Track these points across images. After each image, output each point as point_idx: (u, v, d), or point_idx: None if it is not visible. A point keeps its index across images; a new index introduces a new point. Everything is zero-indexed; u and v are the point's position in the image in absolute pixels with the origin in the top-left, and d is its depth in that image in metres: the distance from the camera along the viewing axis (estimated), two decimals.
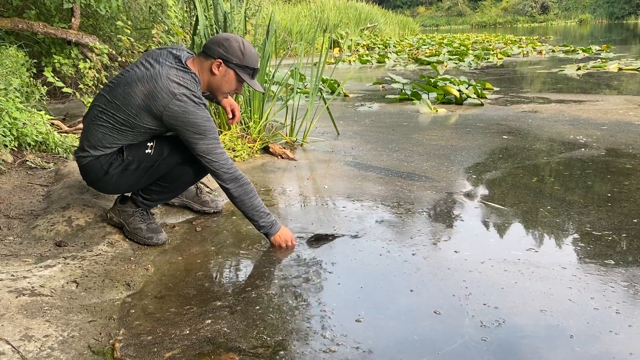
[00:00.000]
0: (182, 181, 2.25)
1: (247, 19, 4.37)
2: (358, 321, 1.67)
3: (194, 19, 4.00)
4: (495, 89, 7.10)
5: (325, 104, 4.37)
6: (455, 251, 2.16)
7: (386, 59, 12.30)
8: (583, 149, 3.78)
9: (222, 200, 2.74)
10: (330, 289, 1.88)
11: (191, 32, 4.24)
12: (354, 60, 12.19)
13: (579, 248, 2.17)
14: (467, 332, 1.59)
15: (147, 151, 2.14)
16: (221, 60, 2.08)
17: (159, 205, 2.54)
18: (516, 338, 1.56)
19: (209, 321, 1.68)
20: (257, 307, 1.76)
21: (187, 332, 1.62)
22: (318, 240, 2.29)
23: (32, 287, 1.77)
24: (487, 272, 1.97)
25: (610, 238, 2.24)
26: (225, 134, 3.86)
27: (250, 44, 2.14)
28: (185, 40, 4.89)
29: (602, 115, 5.10)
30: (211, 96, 2.33)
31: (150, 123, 2.04)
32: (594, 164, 3.39)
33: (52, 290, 1.79)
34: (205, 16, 3.90)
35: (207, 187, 2.74)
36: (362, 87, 7.75)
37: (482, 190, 2.95)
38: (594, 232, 2.31)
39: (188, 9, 5.36)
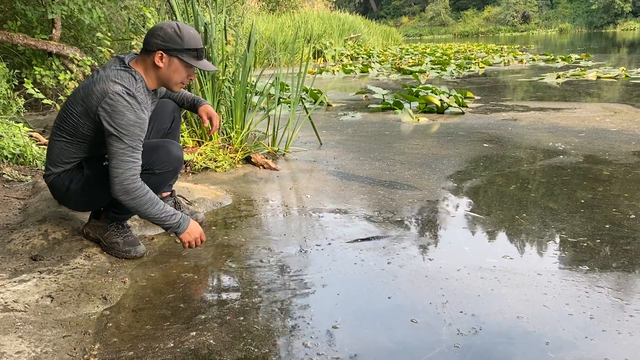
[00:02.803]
0: None
1: (227, 30, 4.38)
2: (335, 327, 1.68)
3: None
4: (477, 97, 7.19)
5: (308, 113, 4.39)
6: (430, 259, 2.17)
7: (369, 69, 12.39)
8: (562, 156, 3.84)
9: (202, 212, 2.73)
10: (310, 299, 1.88)
11: None
12: (337, 70, 12.25)
13: (554, 254, 2.20)
14: (444, 339, 1.60)
15: (104, 164, 2.10)
16: (162, 51, 2.01)
17: (136, 216, 2.53)
18: (492, 345, 1.57)
19: (194, 333, 1.67)
20: (242, 318, 1.75)
21: (171, 345, 1.60)
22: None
23: (5, 303, 1.75)
24: (464, 279, 1.98)
25: (585, 244, 2.27)
26: (206, 145, 3.85)
27: (187, 25, 2.08)
28: None
29: (580, 122, 5.19)
30: (178, 98, 2.40)
31: (92, 129, 2.01)
32: (572, 171, 3.44)
33: (26, 305, 1.76)
34: None
35: (186, 199, 2.73)
36: (345, 96, 7.79)
37: (462, 199, 2.97)
38: (569, 239, 2.34)
39: (169, 20, 5.35)
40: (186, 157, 3.68)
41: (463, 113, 5.86)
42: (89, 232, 2.31)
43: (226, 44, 4.09)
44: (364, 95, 7.52)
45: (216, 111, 3.99)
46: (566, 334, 1.62)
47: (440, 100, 6.05)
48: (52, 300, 1.82)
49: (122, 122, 1.92)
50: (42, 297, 1.83)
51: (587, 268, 2.05)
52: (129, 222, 2.37)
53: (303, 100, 4.44)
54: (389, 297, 1.87)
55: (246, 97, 4.07)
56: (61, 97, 4.51)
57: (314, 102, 6.76)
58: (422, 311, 1.77)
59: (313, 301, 1.87)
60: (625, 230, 2.42)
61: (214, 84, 3.93)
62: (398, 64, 13.51)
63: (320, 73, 11.69)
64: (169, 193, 2.62)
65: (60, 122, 2.07)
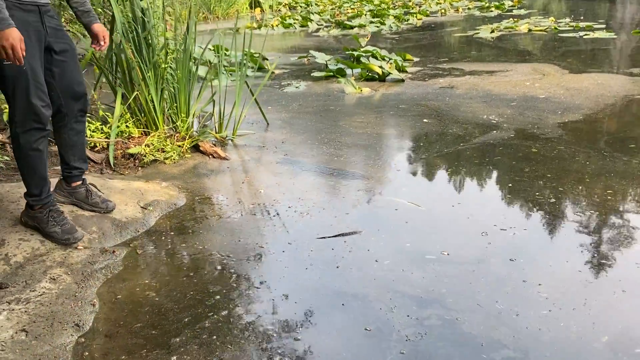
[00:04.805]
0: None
1: (164, 14, 4.26)
2: (297, 340, 1.87)
3: (111, 17, 3.87)
4: (415, 59, 7.37)
5: (253, 95, 4.42)
6: (376, 260, 2.38)
7: (309, 22, 12.25)
8: (495, 132, 4.12)
9: (112, 202, 2.78)
10: (268, 306, 2.06)
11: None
12: (276, 25, 12.03)
13: (484, 245, 2.46)
14: (394, 345, 1.83)
15: None
16: None
17: (94, 229, 2.60)
18: (436, 349, 1.82)
19: (174, 358, 1.81)
20: (214, 337, 1.91)
21: None
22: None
23: None
24: (409, 279, 2.21)
25: (512, 233, 2.55)
26: (153, 135, 3.84)
27: None
28: None
29: (511, 88, 5.50)
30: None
31: None
32: (504, 149, 3.73)
33: (3, 343, 1.84)
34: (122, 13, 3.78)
35: (97, 188, 2.79)
36: (287, 60, 7.76)
37: (404, 188, 3.18)
38: (494, 226, 2.61)
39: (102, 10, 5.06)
40: (134, 150, 3.68)
41: (403, 81, 6.03)
42: (27, 221, 2.47)
43: (166, 30, 4.00)
44: (306, 59, 7.52)
45: (160, 97, 3.97)
46: (497, 333, 1.89)
47: (381, 67, 6.18)
48: (26, 335, 1.91)
49: None
50: (16, 332, 1.91)
51: (511, 258, 2.33)
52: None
53: (245, 67, 4.38)
54: (342, 304, 2.08)
55: (190, 82, 4.04)
56: None
57: (258, 69, 6.72)
58: (374, 319, 1.99)
59: (273, 309, 2.05)
60: (547, 216, 2.73)
61: (156, 71, 3.88)
62: (337, 16, 13.42)
63: (259, 28, 11.45)
64: (79, 182, 2.70)
65: None
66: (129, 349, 1.87)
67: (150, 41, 3.86)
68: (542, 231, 2.60)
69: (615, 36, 8.79)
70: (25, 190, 2.43)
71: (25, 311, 2.03)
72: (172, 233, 2.71)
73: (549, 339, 1.84)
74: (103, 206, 2.71)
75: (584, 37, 8.84)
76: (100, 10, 4.28)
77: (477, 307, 2.03)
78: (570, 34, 9.18)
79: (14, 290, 2.16)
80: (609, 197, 2.92)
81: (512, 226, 2.63)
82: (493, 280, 2.19)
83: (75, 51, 2.48)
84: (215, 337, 1.92)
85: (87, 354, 1.86)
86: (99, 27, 2.54)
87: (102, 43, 2.56)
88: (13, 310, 2.03)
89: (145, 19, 3.81)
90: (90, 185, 2.74)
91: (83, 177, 2.72)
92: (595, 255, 2.37)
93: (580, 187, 3.06)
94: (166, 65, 3.90)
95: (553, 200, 2.91)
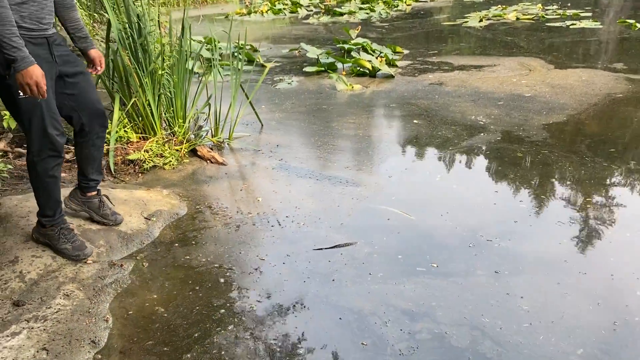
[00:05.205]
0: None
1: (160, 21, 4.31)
2: (299, 354, 2.04)
3: (107, 24, 3.92)
4: (405, 51, 7.46)
5: (248, 99, 4.51)
6: (370, 273, 2.54)
7: (299, 9, 12.22)
8: (482, 134, 4.28)
9: (120, 215, 2.91)
10: (270, 320, 2.22)
11: (104, 37, 4.15)
12: (266, 11, 12.00)
13: (471, 256, 2.63)
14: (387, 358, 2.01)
15: None
16: None
17: (102, 242, 2.72)
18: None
19: None
20: (223, 352, 2.07)
21: None
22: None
23: None
24: (401, 292, 2.38)
25: (497, 245, 2.73)
26: (152, 141, 3.94)
27: None
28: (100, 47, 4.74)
29: (499, 85, 5.64)
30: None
31: None
32: (491, 153, 3.89)
33: None
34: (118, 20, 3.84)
35: (109, 199, 2.93)
36: (278, 52, 7.82)
37: (396, 196, 3.33)
38: (480, 237, 2.78)
39: (98, 15, 5.10)
40: (134, 156, 3.78)
41: (393, 76, 6.14)
42: (38, 238, 2.60)
43: (163, 36, 4.07)
44: (297, 51, 7.58)
45: (157, 102, 4.06)
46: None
47: (371, 62, 6.28)
48: (47, 353, 2.05)
49: None
50: (37, 351, 2.05)
51: (496, 271, 2.51)
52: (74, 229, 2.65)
53: (238, 59, 4.45)
54: (340, 318, 2.25)
55: (186, 83, 4.12)
56: None
57: (249, 62, 6.78)
58: (370, 334, 2.16)
59: (279, 324, 2.21)
60: (529, 227, 2.90)
61: (153, 77, 3.96)
62: (327, 1, 13.38)
63: (249, 14, 11.43)
64: (94, 193, 2.83)
65: None
66: None
67: (146, 47, 3.93)
68: (523, 242, 2.77)
69: (601, 26, 8.93)
70: (38, 209, 2.54)
71: (44, 329, 2.17)
72: (176, 245, 2.84)
73: (528, 352, 2.02)
74: (112, 219, 2.84)
75: (570, 27, 8.97)
76: (95, 15, 4.33)
77: (464, 320, 2.21)
78: (557, 23, 9.30)
79: (30, 307, 2.29)
80: (589, 206, 3.10)
81: (497, 237, 2.80)
82: (479, 293, 2.37)
83: (88, 71, 2.60)
84: (224, 352, 2.08)
85: None
86: (96, 53, 2.65)
87: (98, 68, 2.67)
88: (32, 328, 2.16)
89: (141, 24, 3.87)
90: (103, 197, 2.87)
91: (98, 187, 2.85)
92: (574, 267, 2.55)
93: (562, 195, 3.23)
94: (163, 72, 3.98)
95: (536, 209, 3.09)
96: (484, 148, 3.99)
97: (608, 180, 3.40)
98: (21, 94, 2.15)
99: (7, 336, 2.11)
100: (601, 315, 2.21)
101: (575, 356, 2.00)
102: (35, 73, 2.10)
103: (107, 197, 2.93)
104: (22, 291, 2.38)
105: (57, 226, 2.54)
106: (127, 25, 3.86)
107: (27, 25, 2.20)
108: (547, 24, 9.35)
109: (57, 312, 2.28)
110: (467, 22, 9.89)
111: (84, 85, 2.51)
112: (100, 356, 2.08)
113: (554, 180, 3.43)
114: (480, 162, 3.77)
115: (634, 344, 2.05)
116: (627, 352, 2.01)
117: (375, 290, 2.42)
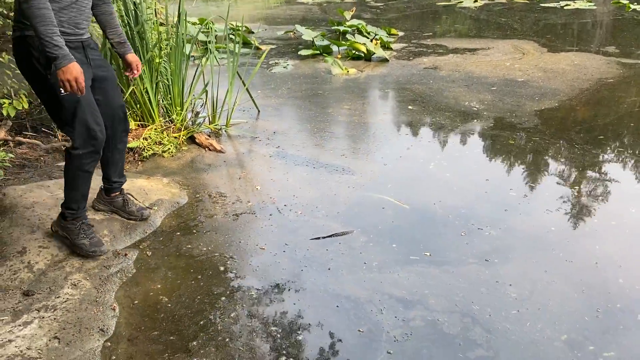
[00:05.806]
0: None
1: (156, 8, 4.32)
2: (299, 341, 2.15)
3: None
4: (400, 33, 7.47)
5: (245, 85, 4.55)
6: (365, 262, 2.65)
7: None
8: (475, 120, 4.35)
9: (147, 209, 3.00)
10: (270, 309, 2.33)
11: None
12: None
13: (462, 244, 2.74)
14: (384, 346, 2.12)
15: None
16: None
17: (105, 232, 2.80)
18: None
19: None
20: (228, 339, 2.18)
21: None
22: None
23: (22, 352, 2.06)
24: (396, 280, 2.49)
25: (487, 233, 2.83)
26: (150, 128, 4.00)
27: None
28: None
29: (492, 69, 5.70)
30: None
31: None
32: (483, 140, 3.98)
33: (39, 351, 2.08)
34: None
35: (135, 198, 3.02)
36: (273, 34, 7.80)
37: (390, 184, 3.43)
38: (472, 224, 2.89)
39: None
40: (133, 144, 3.84)
41: (388, 60, 6.17)
42: (57, 231, 2.66)
43: (160, 24, 4.08)
44: (292, 33, 7.57)
45: (155, 89, 4.10)
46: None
47: (365, 45, 6.30)
48: (59, 342, 2.15)
49: None
50: (49, 340, 2.15)
51: (486, 259, 2.62)
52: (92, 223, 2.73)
53: (235, 42, 4.50)
54: (337, 306, 2.36)
55: (183, 73, 4.16)
56: None
57: (244, 45, 6.77)
58: (366, 321, 2.27)
59: (281, 311, 2.32)
60: (519, 215, 3.01)
61: (150, 65, 3.99)
62: None
63: None
64: (117, 193, 2.94)
65: None
66: (151, 354, 2.13)
67: (143, 35, 3.95)
68: (513, 230, 2.88)
69: (595, 7, 8.95)
70: (63, 201, 2.61)
71: (55, 318, 2.26)
72: (178, 233, 2.93)
73: (516, 338, 2.15)
74: (138, 214, 2.94)
75: (564, 7, 8.98)
76: None
77: (456, 307, 2.32)
78: (552, 4, 9.31)
79: (40, 297, 2.39)
80: (576, 195, 3.21)
81: (487, 225, 2.91)
82: (470, 281, 2.48)
83: (115, 77, 2.68)
84: (228, 339, 2.18)
85: (114, 357, 2.11)
86: (133, 57, 2.74)
87: (135, 72, 2.76)
88: (43, 318, 2.26)
89: (138, 12, 3.89)
90: (127, 195, 2.96)
91: (121, 187, 2.95)
92: (561, 254, 2.66)
93: (551, 184, 3.34)
94: (160, 60, 4.01)
95: (525, 197, 3.19)
96: (477, 135, 4.08)
97: (596, 168, 3.50)
98: (62, 91, 2.24)
99: (20, 325, 2.20)
100: (585, 302, 2.33)
101: (560, 342, 2.12)
102: (75, 70, 2.18)
103: (130, 194, 3.03)
104: (31, 281, 2.47)
105: (78, 220, 2.61)
106: (124, 13, 3.88)
107: (65, 29, 2.29)
108: (541, 4, 9.35)
109: (66, 301, 2.37)
110: (462, 2, 9.86)
111: (110, 91, 2.59)
112: (109, 344, 2.18)
113: (543, 168, 3.53)
114: (473, 149, 3.85)
115: (614, 330, 2.17)
116: (608, 337, 2.14)
117: (370, 278, 2.52)
